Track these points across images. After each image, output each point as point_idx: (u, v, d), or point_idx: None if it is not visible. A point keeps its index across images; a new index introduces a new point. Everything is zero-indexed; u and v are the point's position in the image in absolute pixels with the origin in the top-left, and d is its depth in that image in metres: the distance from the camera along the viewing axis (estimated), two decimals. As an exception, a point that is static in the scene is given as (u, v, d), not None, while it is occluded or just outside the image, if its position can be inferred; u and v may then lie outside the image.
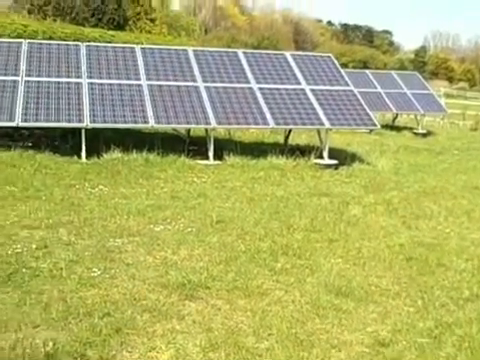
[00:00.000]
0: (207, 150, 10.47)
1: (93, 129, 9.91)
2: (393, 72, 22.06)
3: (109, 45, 12.45)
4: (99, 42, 18.21)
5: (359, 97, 11.96)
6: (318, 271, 5.18)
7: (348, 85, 12.12)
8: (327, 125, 10.97)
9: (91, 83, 10.49)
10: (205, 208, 7.18)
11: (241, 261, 5.28)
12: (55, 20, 21.84)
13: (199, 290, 4.57)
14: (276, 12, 75.36)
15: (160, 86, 10.82)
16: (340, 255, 5.68)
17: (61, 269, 4.84)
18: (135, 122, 10.00)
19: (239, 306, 4.35)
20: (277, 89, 11.52)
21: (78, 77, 10.57)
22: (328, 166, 10.57)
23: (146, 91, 10.59)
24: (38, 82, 10.23)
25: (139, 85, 10.73)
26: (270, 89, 11.46)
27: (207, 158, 10.32)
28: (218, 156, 10.45)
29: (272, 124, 10.67)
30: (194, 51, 12.16)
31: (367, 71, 21.76)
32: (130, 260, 5.19)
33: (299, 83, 11.81)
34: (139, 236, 5.89)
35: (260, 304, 4.41)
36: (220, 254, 5.45)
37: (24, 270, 4.78)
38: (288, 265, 5.28)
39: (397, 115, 20.73)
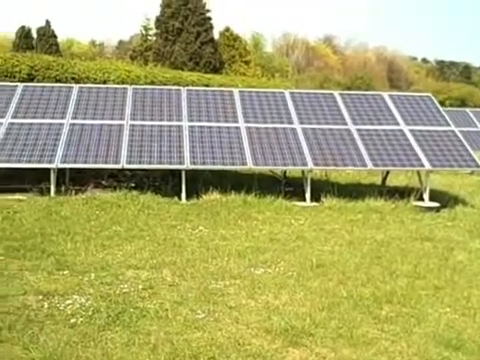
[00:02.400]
0: (304, 191, 10.47)
1: (192, 170, 10.20)
2: (495, 110, 21.24)
3: (208, 89, 12.85)
4: (197, 85, 18.86)
5: (460, 137, 11.59)
6: (425, 321, 4.98)
7: (449, 125, 11.79)
8: (427, 166, 10.69)
9: (191, 126, 10.84)
10: (304, 251, 7.14)
11: (344, 308, 5.18)
12: (156, 65, 22.83)
13: (303, 337, 4.52)
14: (369, 51, 75.00)
15: (258, 128, 11.00)
16: (448, 304, 5.44)
17: (167, 310, 4.95)
18: (233, 164, 10.19)
19: (344, 355, 4.26)
20: (375, 130, 11.39)
21: (179, 120, 10.97)
22: (429, 209, 10.25)
23: (244, 133, 10.80)
24: (142, 126, 10.70)
25: (237, 127, 10.97)
26: (368, 130, 11.35)
27: (304, 200, 10.31)
28: (315, 198, 10.41)
29: (370, 165, 10.53)
30: (290, 93, 12.31)
31: (467, 109, 21.10)
32: (233, 303, 5.22)
33: (397, 124, 11.62)
34: (240, 279, 5.93)
35: (366, 354, 4.29)
36: (322, 300, 5.38)
37: (132, 310, 4.93)
38: (393, 313, 5.12)
39: (500, 155, 19.83)
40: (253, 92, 12.27)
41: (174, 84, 18.54)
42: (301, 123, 11.28)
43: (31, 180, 10.21)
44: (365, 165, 10.55)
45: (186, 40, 33.69)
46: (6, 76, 15.25)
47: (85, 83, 15.33)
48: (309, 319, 4.84)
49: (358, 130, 11.31)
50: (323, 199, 10.36)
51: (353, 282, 5.94)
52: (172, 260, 6.48)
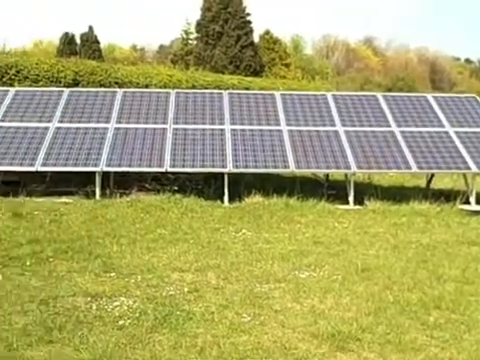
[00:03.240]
0: (346, 194, 10.39)
1: (235, 174, 10.23)
2: None
3: (250, 92, 12.88)
4: (238, 88, 18.91)
5: (508, 139, 11.31)
6: (475, 327, 4.87)
7: (496, 126, 11.53)
8: (474, 169, 10.47)
9: (233, 129, 10.88)
10: (349, 255, 7.08)
11: (391, 313, 5.11)
12: (197, 69, 23.00)
13: (349, 342, 4.48)
14: (411, 51, 73.96)
15: (300, 131, 10.97)
16: (498, 310, 5.31)
17: (212, 313, 4.97)
18: (275, 167, 10.19)
19: (393, 361, 4.20)
20: (419, 132, 11.23)
21: (221, 124, 11.02)
22: (476, 212, 10.03)
23: (286, 136, 10.78)
24: (184, 129, 10.80)
25: (279, 130, 10.96)
26: (411, 132, 11.19)
27: (347, 203, 10.23)
28: (358, 201, 10.32)
29: (414, 168, 10.38)
30: (333, 95, 12.24)
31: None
32: (278, 307, 5.21)
33: (442, 126, 11.43)
34: (285, 282, 5.92)
35: (415, 360, 4.22)
36: (368, 304, 5.32)
37: (178, 313, 4.97)
38: (441, 319, 5.03)
39: None
40: (295, 95, 12.24)
41: (215, 88, 18.65)
42: (344, 125, 11.20)
43: (77, 183, 10.42)
44: (409, 168, 10.40)
45: (226, 44, 33.85)
46: (52, 81, 15.59)
47: (128, 87, 15.55)
48: (356, 324, 4.79)
49: (402, 132, 11.16)
50: (366, 202, 10.26)
51: (399, 287, 5.85)
52: (216, 263, 6.51)
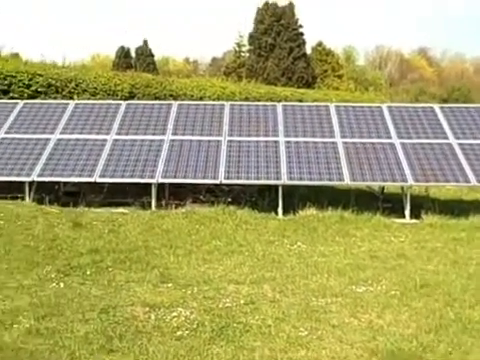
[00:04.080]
0: (402, 208, 10.22)
1: (289, 186, 10.22)
2: None
3: (304, 104, 12.88)
4: (290, 100, 18.94)
5: None
6: None
7: None
8: None
9: (288, 141, 10.87)
10: (406, 270, 6.95)
11: (452, 331, 4.98)
12: (249, 81, 23.14)
13: (410, 360, 4.39)
14: (467, 61, 72.32)
15: (355, 143, 10.87)
16: None
17: (269, 326, 4.97)
18: (330, 179, 10.12)
19: (456, 381, 4.09)
20: (478, 144, 10.95)
21: (275, 136, 11.04)
22: None
23: (341, 148, 10.69)
24: (239, 141, 10.86)
25: (334, 143, 10.88)
26: (471, 144, 10.92)
27: (403, 216, 10.06)
28: (414, 214, 10.12)
29: (474, 181, 10.12)
30: (388, 107, 12.09)
31: None
32: (335, 321, 5.16)
33: (503, 138, 11.11)
34: (342, 297, 5.86)
35: (479, 381, 4.10)
36: (428, 321, 5.20)
37: (235, 325, 4.98)
38: (506, 339, 4.87)
39: None
40: (349, 107, 12.15)
41: (268, 99, 18.72)
42: (400, 138, 11.03)
43: (133, 194, 10.61)
44: (468, 181, 10.15)
45: (279, 56, 33.97)
46: (109, 94, 15.98)
47: (182, 100, 15.78)
48: (416, 341, 4.70)
49: (460, 144, 10.91)
50: (423, 216, 10.05)
51: (460, 304, 5.70)
52: (272, 276, 6.50)
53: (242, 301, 5.62)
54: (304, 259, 7.28)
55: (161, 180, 10.05)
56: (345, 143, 10.87)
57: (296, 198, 10.46)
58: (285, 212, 9.97)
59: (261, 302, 5.63)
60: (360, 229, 9.22)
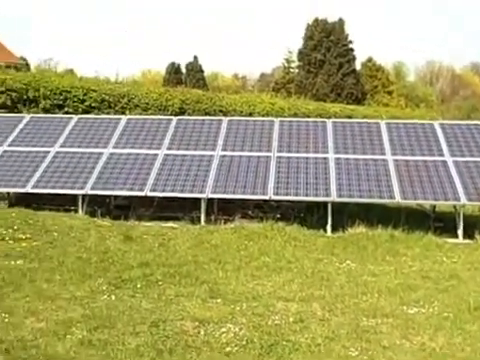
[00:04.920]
0: (455, 227, 9.99)
1: (338, 203, 10.14)
2: None
3: (354, 121, 12.81)
4: (340, 116, 18.86)
5: None
6: None
7: None
8: None
9: (337, 158, 10.80)
10: (459, 291, 6.77)
11: (510, 356, 4.83)
12: (299, 97, 23.17)
13: (465, 384, 4.27)
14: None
15: (406, 161, 10.71)
16: None
17: (319, 345, 4.93)
18: (381, 197, 9.99)
19: None
20: None
21: (325, 152, 10.98)
22: None
23: (392, 166, 10.56)
24: (288, 158, 10.86)
25: (384, 160, 10.75)
26: (527, 163, 10.61)
27: (456, 236, 9.82)
28: (468, 234, 9.88)
29: None
30: (440, 124, 11.88)
31: None
32: (386, 342, 5.08)
33: None
34: (392, 317, 5.76)
35: None
36: (483, 345, 5.06)
37: (284, 343, 4.96)
38: None
39: None
40: (400, 124, 12.00)
41: (317, 116, 18.69)
42: (453, 156, 10.82)
43: (182, 208, 10.72)
44: (525, 201, 9.85)
45: (328, 72, 33.92)
46: (160, 110, 16.27)
47: (232, 115, 15.90)
48: (471, 366, 4.58)
49: (516, 163, 10.61)
50: (477, 236, 9.78)
51: (517, 328, 5.52)
52: (321, 294, 6.45)
53: (291, 319, 5.60)
54: (353, 278, 7.19)
55: (211, 195, 10.13)
56: (396, 160, 10.72)
57: (345, 215, 10.36)
58: (334, 229, 9.89)
59: (310, 320, 5.59)
60: (411, 248, 9.05)
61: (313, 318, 5.66)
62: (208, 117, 13.29)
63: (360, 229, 9.86)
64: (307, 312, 5.83)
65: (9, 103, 14.32)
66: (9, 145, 11.38)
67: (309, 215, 10.66)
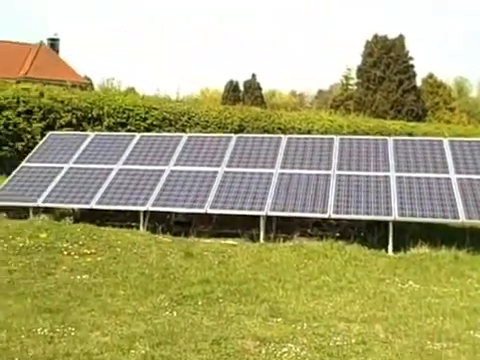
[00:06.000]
0: (524, 249, 9.62)
1: (399, 222, 9.95)
2: None
3: (416, 138, 12.60)
4: (400, 134, 18.59)
5: None
6: None
7: None
8: None
9: (399, 177, 10.63)
10: None
11: None
12: (358, 114, 22.97)
13: None
14: None
15: (470, 180, 10.43)
16: None
17: (383, 368, 4.83)
18: (444, 217, 9.74)
19: None
20: None
21: (386, 170, 10.83)
22: None
23: (455, 185, 10.30)
24: (348, 176, 10.76)
25: (448, 178, 10.50)
26: None
27: (524, 258, 9.45)
28: None
29: None
30: (507, 142, 11.53)
31: None
32: (453, 368, 4.93)
33: None
34: (459, 342, 5.58)
35: None
36: None
37: (347, 365, 4.89)
38: None
39: None
40: (464, 141, 11.71)
41: (376, 133, 18.49)
42: (520, 174, 10.46)
43: (240, 225, 10.76)
44: None
45: (388, 88, 33.51)
46: (219, 127, 16.50)
47: (290, 133, 15.95)
48: None
49: None
50: None
51: None
52: (383, 315, 6.33)
53: (353, 340, 5.51)
54: (417, 299, 7.03)
55: (270, 213, 10.13)
56: (460, 179, 10.46)
57: (407, 235, 10.14)
58: (395, 249, 9.70)
59: (373, 342, 5.49)
60: (476, 270, 8.76)
61: (376, 340, 5.56)
62: (267, 135, 13.37)
63: (423, 249, 9.63)
64: (369, 334, 5.73)
65: (74, 121, 14.84)
66: (74, 162, 11.74)
67: (369, 234, 10.49)
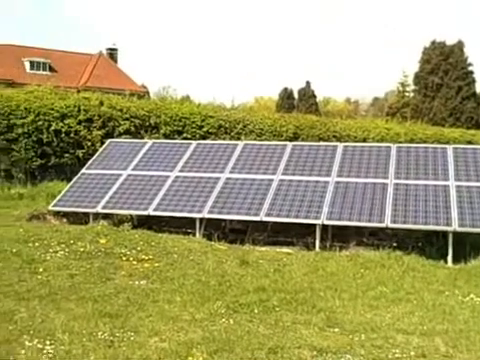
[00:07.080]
0: None
1: (459, 232, 9.70)
2: None
3: (477, 146, 12.25)
4: (459, 142, 18.13)
5: None
6: None
7: None
8: None
9: (459, 186, 10.37)
10: None
11: None
12: (415, 122, 22.54)
13: None
14: None
15: None
16: None
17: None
18: (507, 227, 9.45)
19: None
20: None
21: (445, 180, 10.59)
22: None
23: (519, 195, 9.97)
24: (406, 185, 10.57)
25: (511, 188, 10.18)
26: None
27: None
28: None
29: None
30: None
31: None
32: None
33: None
34: (524, 358, 5.39)
35: None
36: None
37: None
38: None
39: None
40: None
41: (434, 141, 18.09)
42: None
43: (295, 233, 10.72)
44: None
45: (446, 95, 32.76)
46: (274, 135, 16.50)
47: (346, 141, 15.80)
48: None
49: None
50: None
51: None
52: (444, 328, 6.17)
53: (413, 353, 5.40)
54: (479, 313, 6.82)
55: (326, 222, 10.05)
56: (524, 189, 10.12)
57: (467, 246, 9.88)
58: (455, 260, 9.46)
59: (433, 356, 5.37)
60: None
61: (436, 353, 5.43)
62: (323, 143, 13.29)
63: (484, 261, 9.35)
64: (429, 347, 5.60)
65: (133, 129, 15.16)
66: (133, 169, 11.99)
67: (428, 244, 10.27)
